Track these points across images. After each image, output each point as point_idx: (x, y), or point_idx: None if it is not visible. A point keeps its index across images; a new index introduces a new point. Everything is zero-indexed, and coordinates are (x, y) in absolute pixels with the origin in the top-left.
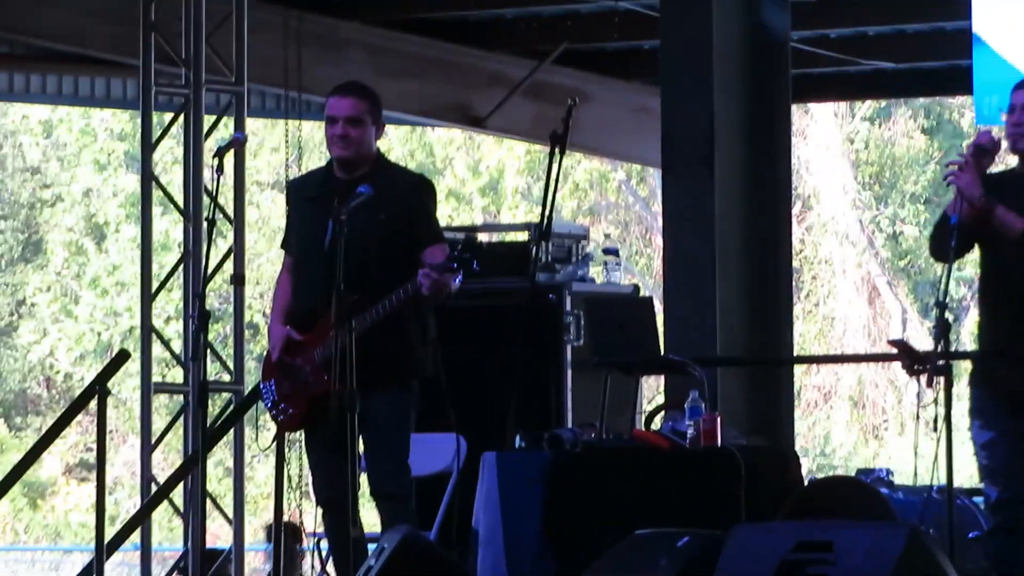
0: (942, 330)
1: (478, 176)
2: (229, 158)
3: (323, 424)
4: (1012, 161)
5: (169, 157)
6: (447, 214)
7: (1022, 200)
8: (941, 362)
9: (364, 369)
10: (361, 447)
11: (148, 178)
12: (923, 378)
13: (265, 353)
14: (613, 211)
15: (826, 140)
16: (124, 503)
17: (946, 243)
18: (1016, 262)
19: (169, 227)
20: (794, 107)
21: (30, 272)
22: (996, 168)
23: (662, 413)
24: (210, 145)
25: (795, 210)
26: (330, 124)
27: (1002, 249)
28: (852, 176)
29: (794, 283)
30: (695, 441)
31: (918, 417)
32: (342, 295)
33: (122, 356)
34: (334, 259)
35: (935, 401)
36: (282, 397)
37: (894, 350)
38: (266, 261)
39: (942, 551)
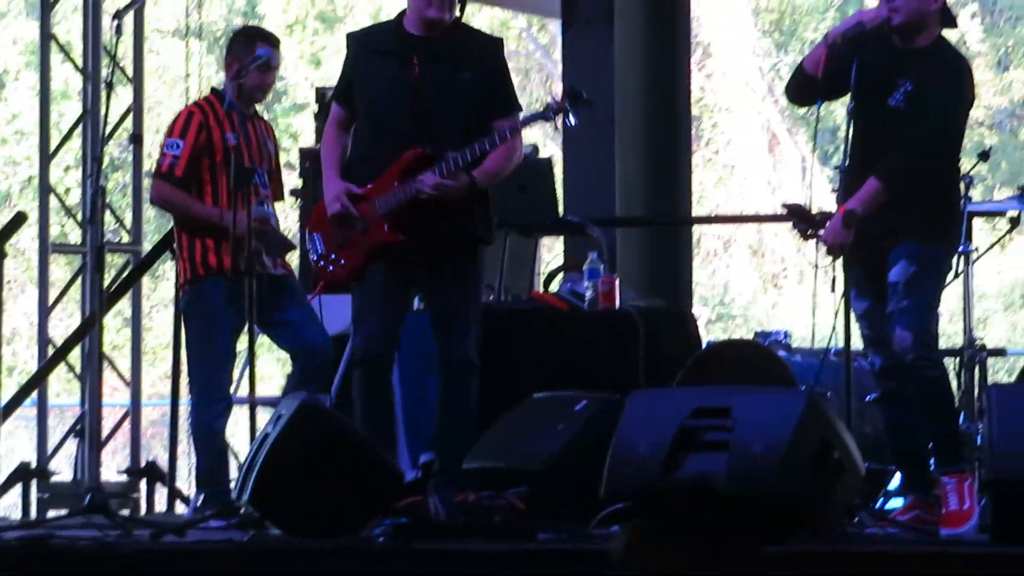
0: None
1: (378, 20)
2: (129, 13)
3: (381, 275)
4: None
5: (69, 5)
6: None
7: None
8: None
9: (441, 225)
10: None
11: (47, 37)
12: (814, 240)
13: (316, 204)
14: (514, 59)
15: None
16: (22, 354)
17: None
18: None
19: (69, 76)
20: None
21: None
22: None
23: (561, 275)
24: (108, 7)
25: (695, 58)
26: None
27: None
28: (752, 24)
29: (694, 131)
30: (594, 303)
31: (816, 280)
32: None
33: (19, 219)
34: (416, 115)
35: (831, 263)
36: (333, 249)
37: (783, 211)
38: (166, 110)
39: (839, 415)
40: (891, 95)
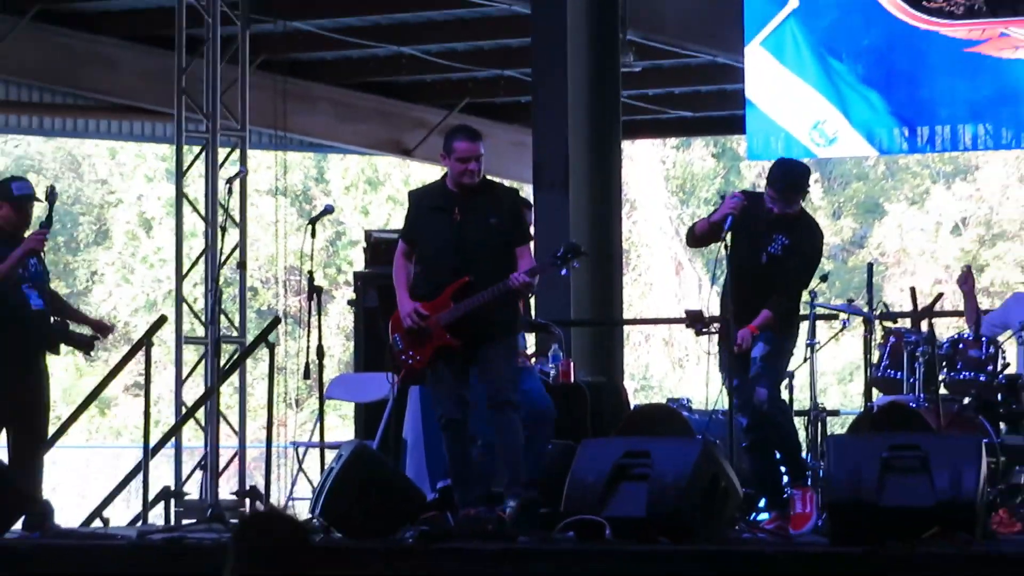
0: (722, 305)
1: (408, 186)
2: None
3: (447, 365)
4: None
5: (196, 172)
6: (387, 213)
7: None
8: (717, 325)
9: (482, 328)
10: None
11: (180, 195)
12: (707, 337)
13: (395, 313)
14: None
15: (646, 162)
16: (165, 412)
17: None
18: (745, 257)
19: (196, 221)
20: (624, 141)
21: (100, 252)
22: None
23: (534, 359)
24: (223, 173)
25: (624, 211)
26: (463, 162)
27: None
28: (664, 187)
29: (624, 261)
30: (555, 378)
31: (708, 363)
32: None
33: (161, 320)
34: (459, 251)
35: (719, 349)
36: (408, 347)
37: (684, 316)
38: (262, 245)
39: (724, 456)
40: (770, 245)
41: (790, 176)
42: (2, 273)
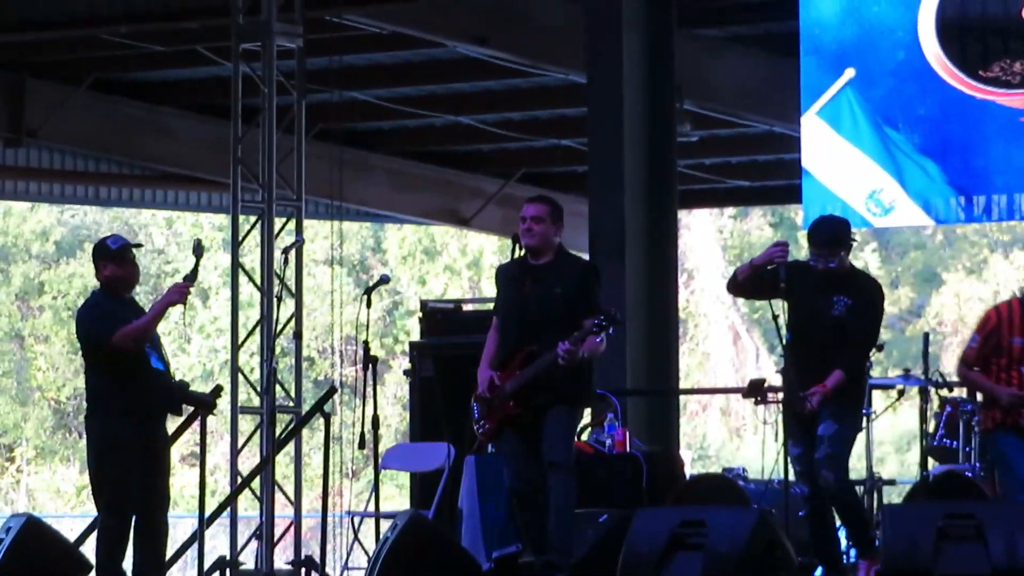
0: (784, 375)
1: (465, 256)
2: (292, 250)
3: (514, 434)
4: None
5: (253, 241)
6: (444, 283)
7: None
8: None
9: (546, 397)
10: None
11: (236, 265)
12: (762, 407)
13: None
14: None
15: (703, 232)
16: (221, 481)
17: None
18: (807, 321)
19: (252, 291)
20: (680, 211)
21: None
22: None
23: (588, 429)
24: (280, 243)
25: (682, 280)
26: (522, 222)
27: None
28: (721, 256)
29: (682, 330)
30: (611, 448)
31: (765, 433)
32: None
33: (217, 390)
34: (522, 320)
35: (776, 419)
36: (482, 416)
37: (745, 385)
38: (319, 315)
39: (780, 526)
40: (833, 308)
41: (829, 229)
42: (145, 327)
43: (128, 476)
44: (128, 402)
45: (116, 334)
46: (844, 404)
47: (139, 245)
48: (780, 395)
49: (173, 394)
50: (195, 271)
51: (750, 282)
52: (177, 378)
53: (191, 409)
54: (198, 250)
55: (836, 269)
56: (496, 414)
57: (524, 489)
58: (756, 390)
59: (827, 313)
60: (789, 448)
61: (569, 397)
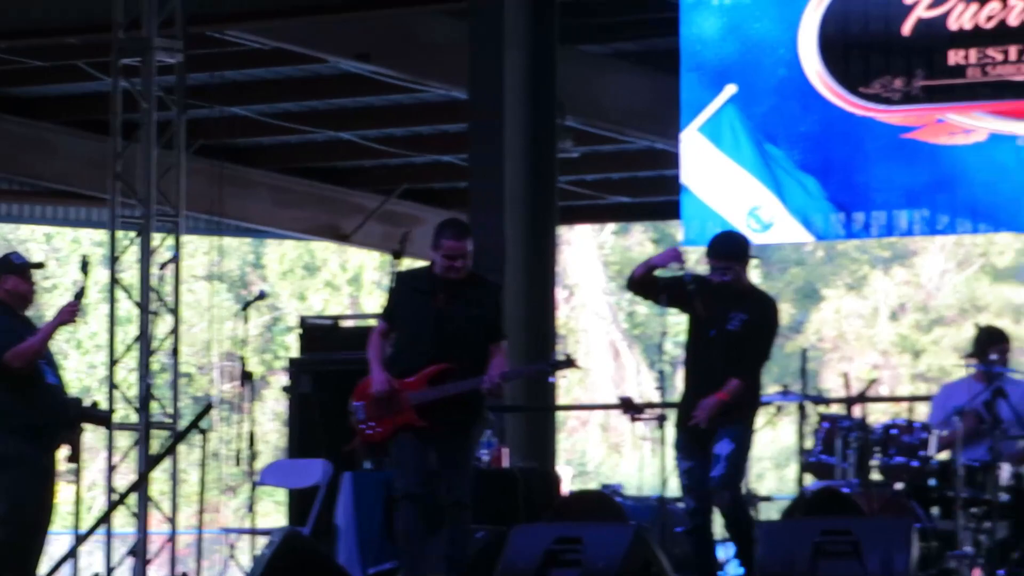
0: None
1: (346, 272)
2: (171, 266)
3: (412, 438)
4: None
5: (132, 257)
6: (324, 299)
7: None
8: (655, 411)
9: (450, 416)
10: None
11: (114, 280)
12: (639, 422)
13: (363, 381)
14: None
15: (584, 247)
16: (99, 498)
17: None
18: (703, 335)
19: (130, 307)
20: (561, 227)
21: None
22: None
23: None
24: (158, 259)
25: (563, 296)
26: (450, 259)
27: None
28: (602, 271)
29: (561, 346)
30: (488, 465)
31: (642, 449)
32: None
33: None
34: (437, 336)
35: (652, 436)
36: (371, 417)
37: (618, 402)
38: (198, 330)
39: (656, 542)
40: (729, 323)
41: (725, 243)
42: (37, 347)
43: (26, 492)
44: (24, 418)
45: (8, 352)
46: (741, 422)
47: (40, 265)
48: (656, 411)
49: (68, 410)
50: (83, 289)
51: (648, 286)
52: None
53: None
54: (85, 267)
55: (732, 284)
56: (395, 419)
57: (418, 491)
58: (629, 407)
59: (723, 328)
60: (679, 462)
61: (472, 420)
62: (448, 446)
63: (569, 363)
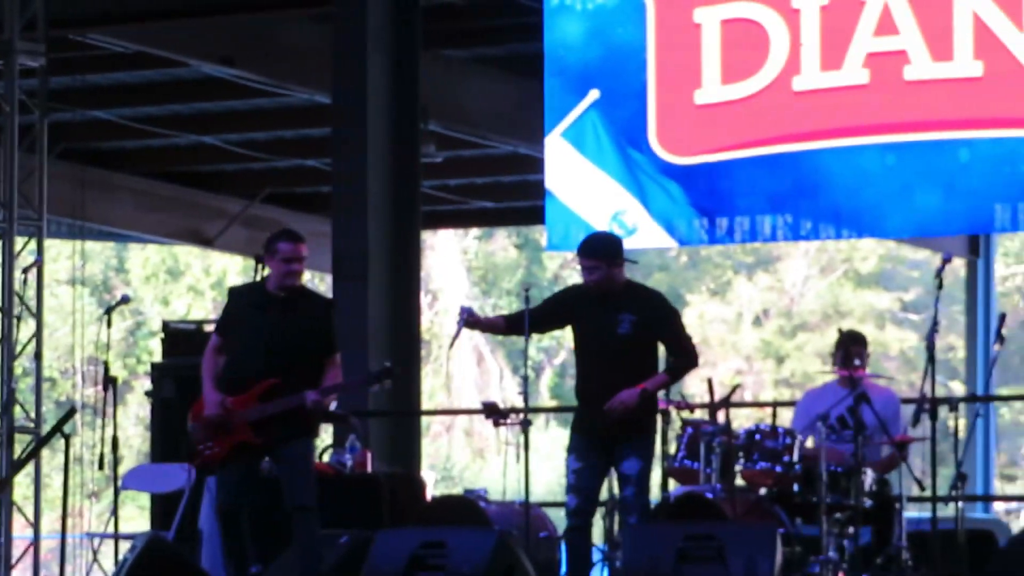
0: (524, 395)
1: (209, 276)
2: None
3: (241, 459)
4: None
5: None
6: (187, 303)
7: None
8: (518, 416)
9: (284, 429)
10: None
11: None
12: (503, 427)
13: (198, 401)
14: None
15: (448, 252)
16: None
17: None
18: (593, 342)
19: None
20: (425, 232)
21: None
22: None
23: (330, 450)
24: (21, 263)
25: (427, 301)
26: (287, 263)
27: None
28: (466, 277)
29: (425, 351)
30: (353, 469)
31: (506, 454)
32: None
33: None
34: (268, 351)
35: (516, 441)
36: (207, 437)
37: (482, 407)
38: (61, 334)
39: (520, 546)
40: (619, 326)
41: (596, 242)
42: None
43: None
44: None
45: None
46: (646, 434)
47: None
48: (520, 416)
49: None
50: None
51: (504, 328)
52: None
53: None
54: None
55: (609, 287)
56: (231, 439)
57: (233, 508)
58: (493, 412)
59: (614, 332)
60: (570, 462)
61: (309, 429)
62: (286, 455)
63: (388, 373)
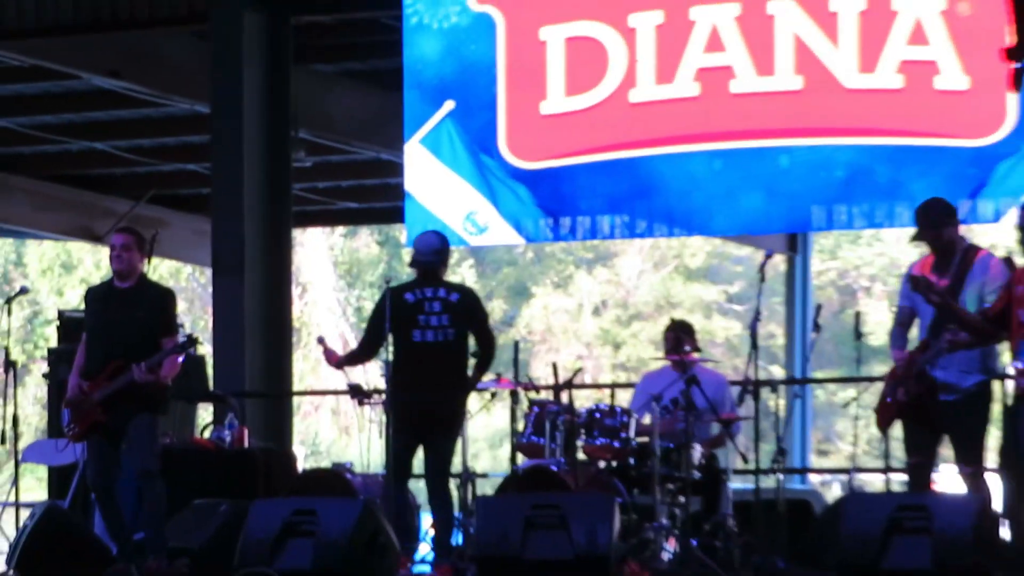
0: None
1: (99, 270)
2: None
3: (96, 436)
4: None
5: None
6: (80, 294)
7: None
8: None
9: (127, 405)
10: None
11: None
12: (367, 407)
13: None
14: (184, 292)
15: (316, 248)
16: None
17: None
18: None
19: None
20: (296, 230)
21: None
22: None
23: (211, 426)
24: None
25: (297, 292)
26: (112, 249)
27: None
28: (332, 270)
29: (296, 338)
30: (231, 445)
31: (370, 431)
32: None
33: None
34: (108, 338)
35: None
36: (72, 420)
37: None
38: None
39: (383, 514)
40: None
41: (424, 242)
42: None
43: None
44: None
45: None
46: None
47: None
48: (382, 397)
49: None
50: None
51: (360, 357)
52: None
53: None
54: None
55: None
56: (86, 419)
57: (104, 485)
58: (357, 392)
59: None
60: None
61: (151, 405)
62: (130, 429)
63: (192, 342)
